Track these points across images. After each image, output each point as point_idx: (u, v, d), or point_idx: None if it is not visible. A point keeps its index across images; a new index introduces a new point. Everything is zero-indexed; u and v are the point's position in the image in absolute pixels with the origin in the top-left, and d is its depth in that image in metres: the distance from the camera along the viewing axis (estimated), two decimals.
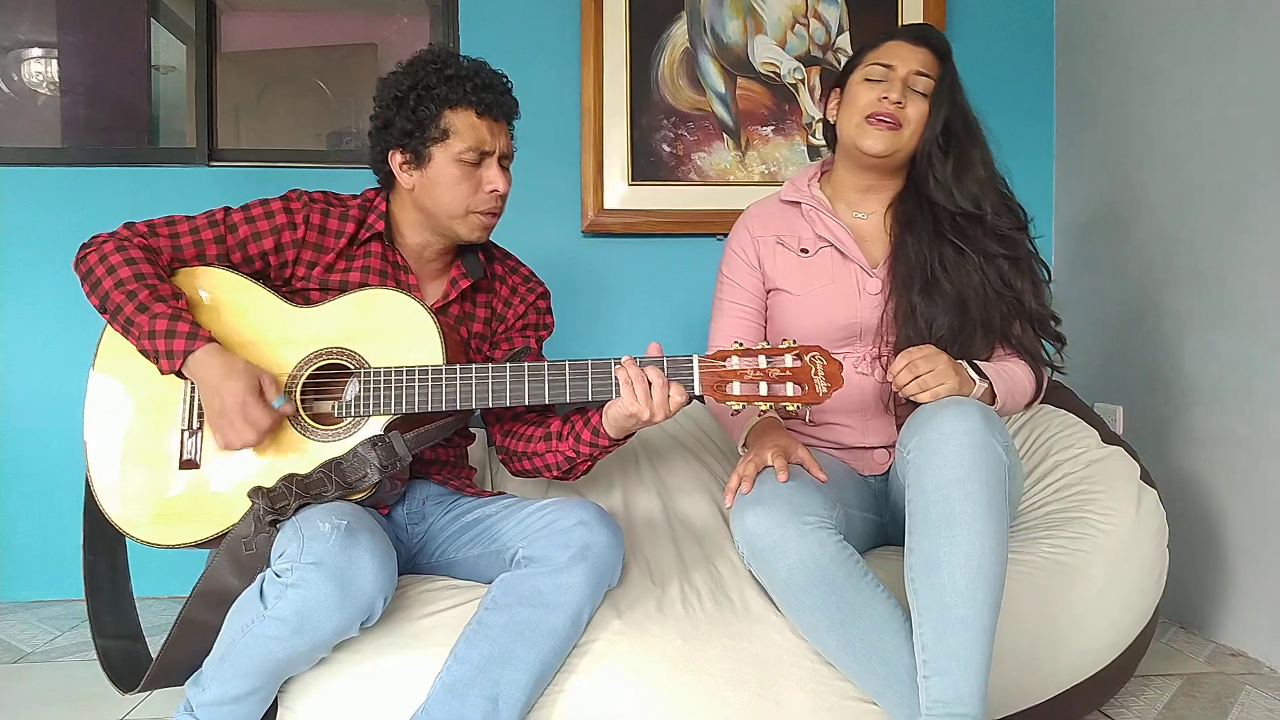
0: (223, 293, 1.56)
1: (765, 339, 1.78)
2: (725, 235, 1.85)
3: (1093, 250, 2.65)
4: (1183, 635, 2.21)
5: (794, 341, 1.45)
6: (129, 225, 1.56)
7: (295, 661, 1.37)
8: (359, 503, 1.47)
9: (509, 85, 1.63)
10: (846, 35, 2.72)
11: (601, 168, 2.66)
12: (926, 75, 1.67)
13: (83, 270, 1.52)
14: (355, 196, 1.67)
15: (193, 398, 1.51)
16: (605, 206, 2.67)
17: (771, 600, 1.51)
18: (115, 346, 1.53)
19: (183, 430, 1.51)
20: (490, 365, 1.50)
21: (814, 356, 1.43)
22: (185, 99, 2.75)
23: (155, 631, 1.63)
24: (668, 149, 2.70)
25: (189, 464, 1.50)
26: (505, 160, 1.63)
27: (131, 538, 1.50)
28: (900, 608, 1.42)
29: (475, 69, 1.59)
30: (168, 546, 1.48)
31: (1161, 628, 2.20)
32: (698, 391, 1.45)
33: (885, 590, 1.42)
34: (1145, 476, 1.79)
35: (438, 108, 1.55)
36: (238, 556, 1.41)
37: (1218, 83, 2.16)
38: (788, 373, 1.42)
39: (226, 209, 1.61)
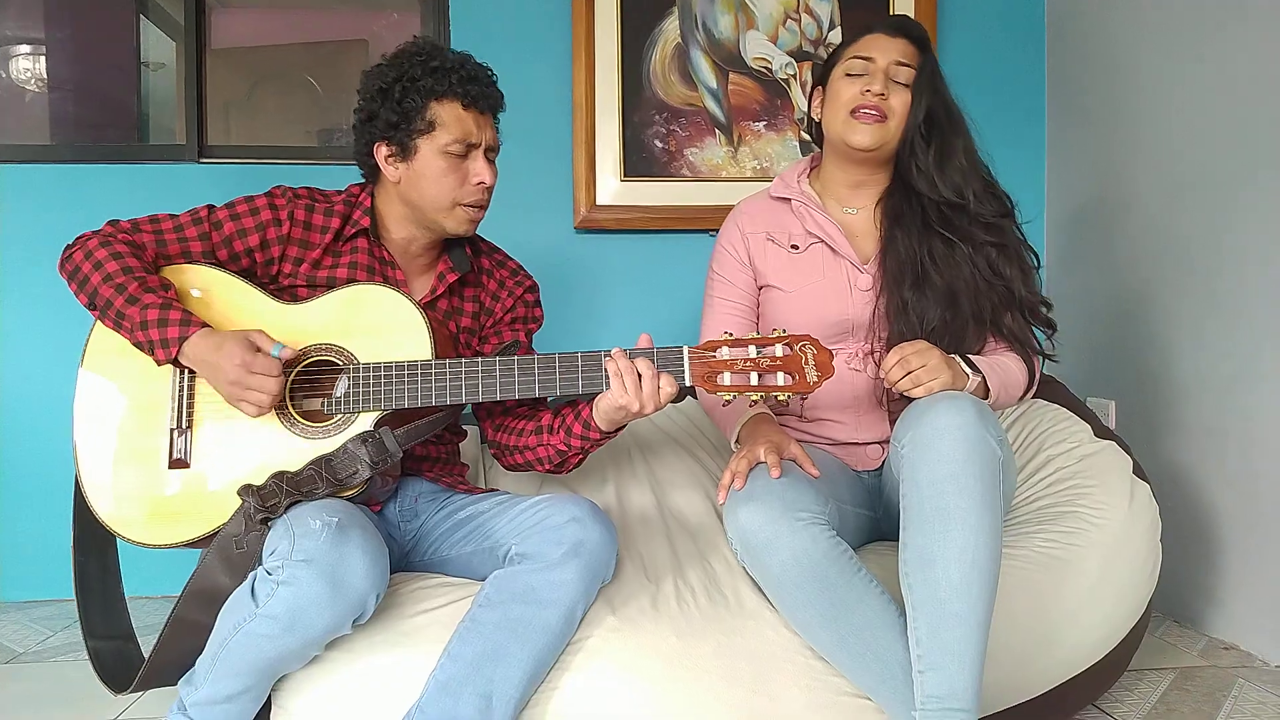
0: (209, 290, 1.56)
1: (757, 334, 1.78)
2: (718, 231, 1.85)
3: (1084, 245, 2.66)
4: (1176, 629, 2.22)
5: (784, 331, 1.45)
6: (113, 222, 1.55)
7: (288, 659, 1.37)
8: (350, 500, 1.46)
9: (494, 78, 1.63)
10: (838, 30, 2.71)
11: (594, 164, 2.65)
12: (907, 65, 1.67)
13: (69, 269, 1.51)
14: (340, 192, 1.66)
15: (182, 395, 1.50)
16: (597, 203, 2.66)
17: (765, 596, 1.51)
18: (103, 345, 1.52)
19: (172, 429, 1.50)
20: (479, 360, 1.50)
21: (804, 346, 1.43)
22: (175, 96, 2.73)
23: (147, 631, 1.62)
24: (660, 145, 2.69)
25: (179, 463, 1.49)
26: (491, 153, 1.63)
27: (122, 538, 1.50)
28: (894, 603, 1.42)
29: (461, 61, 1.58)
30: (159, 546, 1.47)
31: (1155, 622, 2.20)
32: (688, 382, 1.45)
33: (879, 586, 1.42)
34: (1138, 471, 1.79)
35: (423, 99, 1.55)
36: (229, 555, 1.40)
37: (1208, 78, 2.16)
38: (778, 362, 1.42)
39: (211, 206, 1.60)
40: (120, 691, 1.53)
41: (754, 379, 1.42)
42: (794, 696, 1.45)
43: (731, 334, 1.47)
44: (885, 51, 1.67)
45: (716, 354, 1.44)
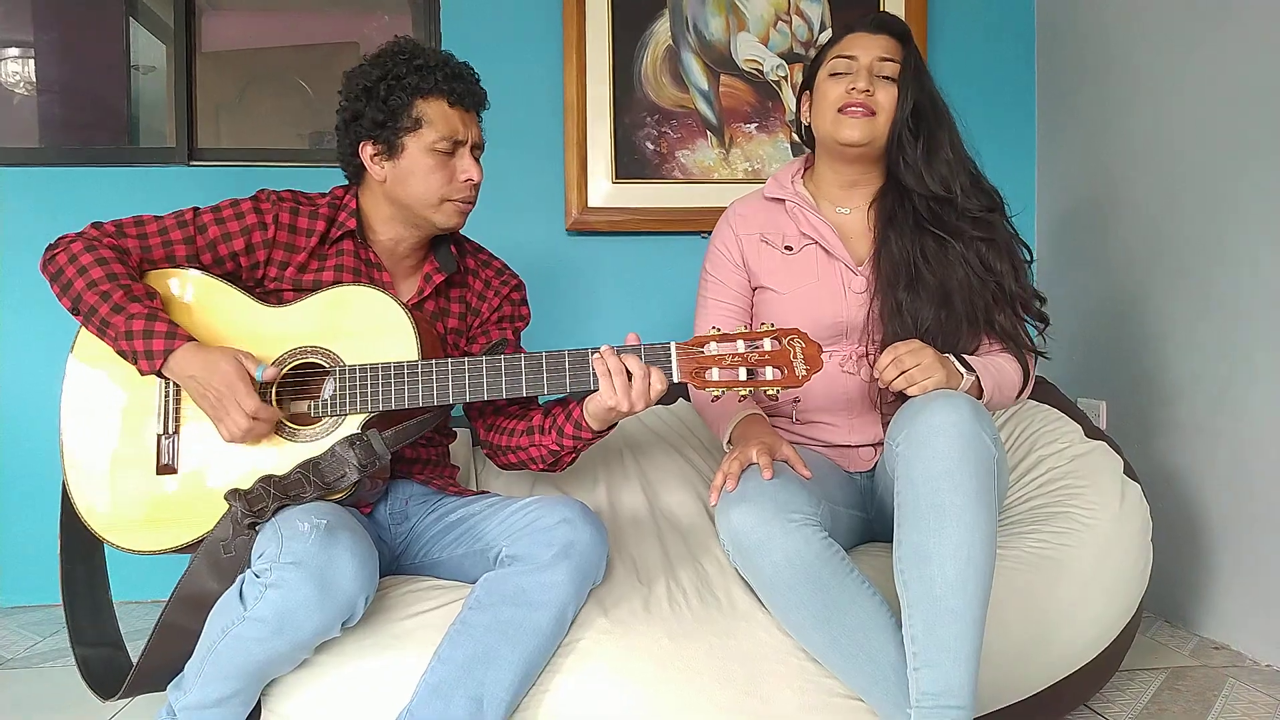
0: (194, 294, 1.55)
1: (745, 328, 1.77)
2: (709, 233, 1.84)
3: (1075, 245, 2.66)
4: (1167, 629, 2.22)
5: (771, 325, 1.44)
6: (97, 225, 1.54)
7: (277, 663, 1.36)
8: (339, 502, 1.45)
9: (477, 76, 1.63)
10: (828, 32, 2.71)
11: (585, 166, 2.65)
12: (891, 60, 1.67)
13: (52, 271, 1.50)
14: (324, 195, 1.66)
15: (168, 400, 1.50)
16: (589, 205, 2.66)
17: (757, 598, 1.50)
18: (89, 350, 1.51)
19: (159, 434, 1.49)
20: (466, 360, 1.49)
21: (792, 339, 1.43)
22: (165, 98, 2.72)
23: (136, 636, 1.62)
24: (651, 146, 2.69)
25: (166, 468, 1.48)
26: (477, 150, 1.63)
27: (110, 544, 1.49)
28: (886, 604, 1.42)
29: (444, 59, 1.59)
30: (147, 553, 1.46)
31: (1146, 622, 2.21)
32: (676, 378, 1.45)
33: (871, 587, 1.42)
34: (1129, 471, 1.80)
35: (409, 97, 1.55)
36: (217, 560, 1.40)
37: (1200, 77, 2.17)
38: (766, 357, 1.42)
39: (196, 209, 1.59)
40: (109, 698, 1.51)
41: (742, 374, 1.42)
42: (786, 698, 1.44)
43: (718, 328, 1.46)
44: (868, 49, 1.67)
45: (704, 349, 1.44)
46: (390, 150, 1.57)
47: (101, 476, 1.49)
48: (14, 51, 2.76)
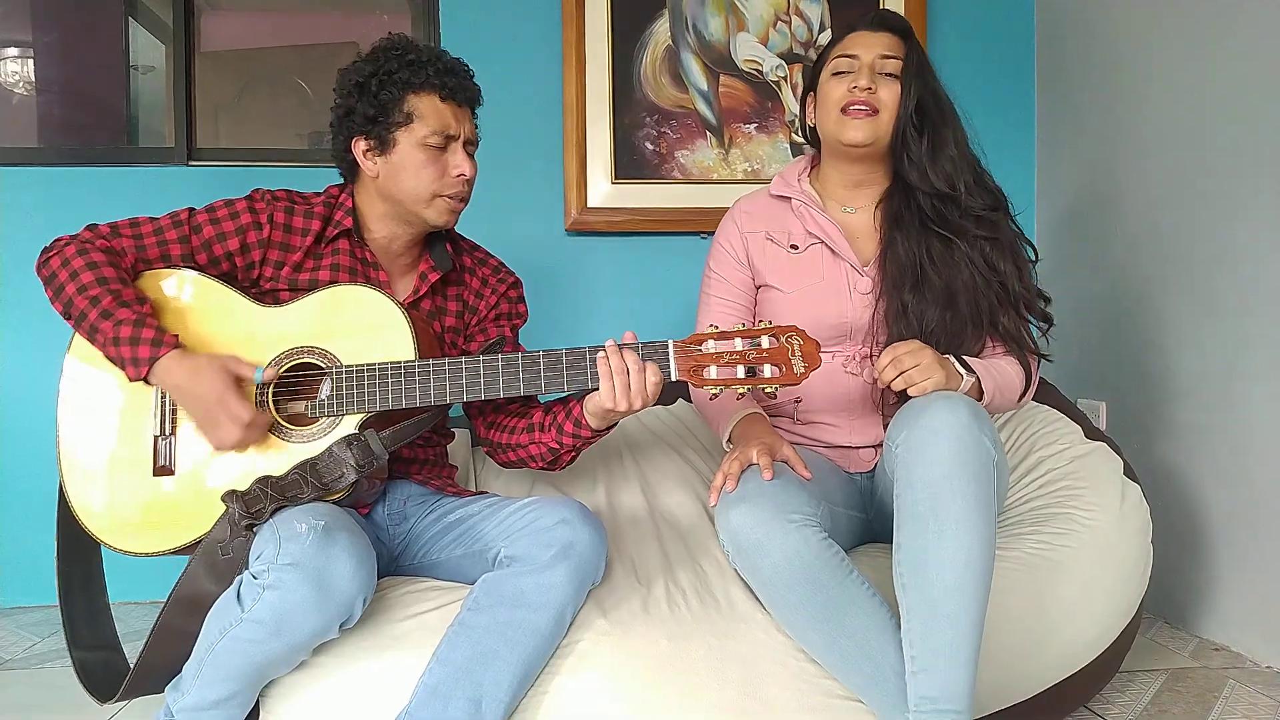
0: (189, 295, 1.55)
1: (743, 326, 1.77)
2: (709, 234, 1.84)
3: (1075, 246, 2.66)
4: (1167, 630, 2.22)
5: (769, 322, 1.44)
6: (91, 227, 1.54)
7: (275, 664, 1.35)
8: (337, 503, 1.45)
9: (471, 72, 1.63)
10: (828, 32, 2.71)
11: (584, 166, 2.64)
12: (893, 57, 1.66)
13: (45, 274, 1.50)
14: (319, 194, 1.66)
15: (165, 401, 1.49)
16: (588, 205, 2.65)
17: (757, 599, 1.50)
18: (86, 349, 1.50)
19: (156, 435, 1.49)
20: (464, 359, 1.49)
21: (790, 337, 1.43)
22: (164, 98, 2.72)
23: (134, 637, 1.61)
24: (651, 147, 2.69)
25: (163, 470, 1.48)
26: (470, 146, 1.62)
27: (107, 546, 1.48)
28: (886, 605, 1.41)
29: (436, 54, 1.58)
30: (144, 554, 1.46)
31: (1146, 623, 2.20)
32: (674, 377, 1.44)
33: (870, 588, 1.42)
34: (1129, 471, 1.79)
35: (401, 92, 1.55)
36: (214, 561, 1.39)
37: (1200, 76, 2.16)
38: (764, 354, 1.42)
39: (191, 210, 1.59)
40: (106, 701, 1.51)
41: (741, 372, 1.42)
42: (785, 699, 1.44)
43: (717, 326, 1.46)
44: (869, 47, 1.67)
45: (702, 347, 1.44)
46: (382, 145, 1.57)
47: (98, 477, 1.49)
48: (13, 51, 2.76)
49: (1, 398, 2.54)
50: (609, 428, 1.55)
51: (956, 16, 2.80)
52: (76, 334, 1.52)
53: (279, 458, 1.47)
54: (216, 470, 1.47)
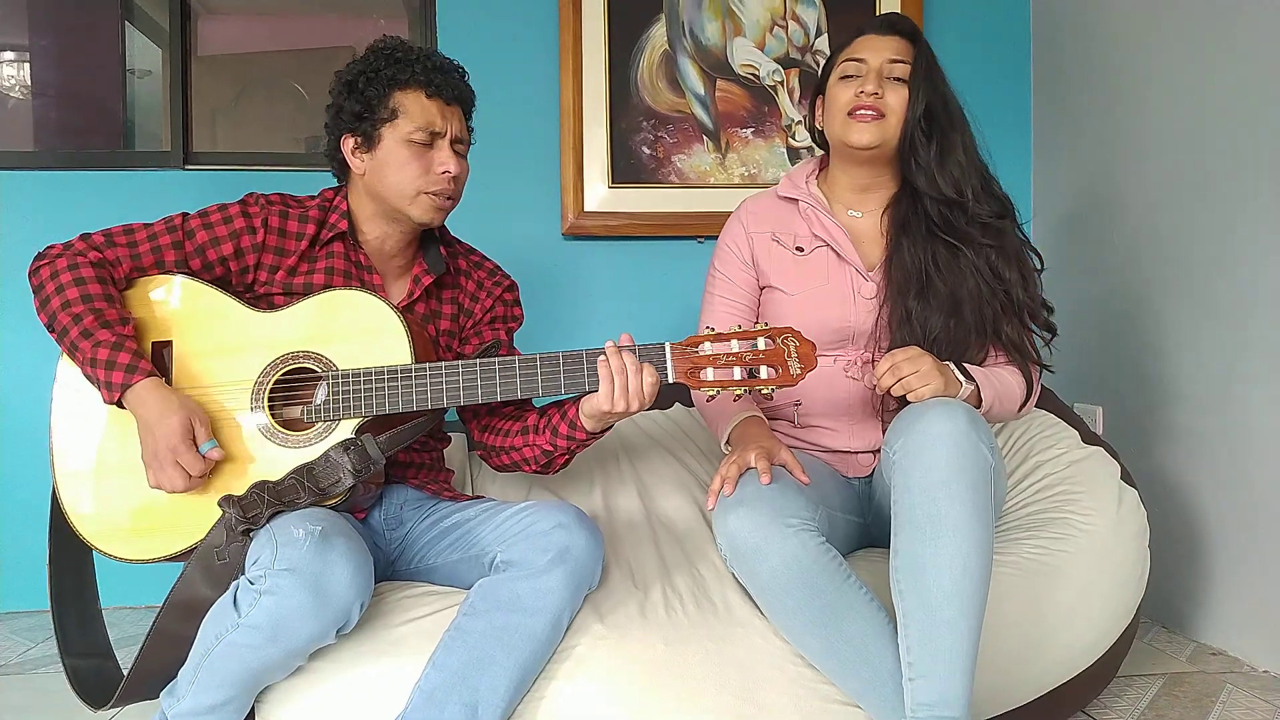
0: (184, 301, 1.54)
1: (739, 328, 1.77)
2: (706, 238, 1.84)
3: (1072, 250, 2.66)
4: (1165, 635, 2.22)
5: (765, 324, 1.44)
6: (85, 237, 1.53)
7: (271, 670, 1.35)
8: (334, 508, 1.45)
9: (463, 72, 1.63)
10: (825, 37, 2.72)
11: (581, 170, 2.65)
12: (902, 61, 1.66)
13: (34, 285, 1.50)
14: (313, 197, 1.66)
15: None
16: (585, 209, 2.65)
17: (754, 603, 1.50)
18: None
19: None
20: (460, 363, 1.49)
21: (786, 338, 1.43)
22: (161, 102, 2.72)
23: (128, 642, 1.61)
24: (648, 151, 2.69)
25: None
26: (459, 145, 1.62)
27: (101, 553, 1.48)
28: (883, 610, 1.41)
29: (426, 53, 1.59)
30: (136, 561, 1.46)
31: (1143, 628, 2.20)
32: (671, 379, 1.44)
33: (868, 592, 1.42)
34: (1126, 476, 1.79)
35: (386, 89, 1.55)
36: (210, 567, 1.39)
37: (1198, 78, 2.17)
38: (761, 356, 1.42)
39: (184, 215, 1.59)
40: (99, 708, 1.51)
41: (737, 373, 1.42)
42: (783, 704, 1.44)
43: (713, 328, 1.46)
44: (877, 51, 1.67)
45: (699, 349, 1.44)
46: (368, 142, 1.57)
47: (91, 483, 1.48)
48: (9, 55, 2.76)
49: None
50: (604, 430, 1.55)
51: (953, 18, 2.81)
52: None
53: (276, 463, 1.46)
54: (213, 476, 1.46)
